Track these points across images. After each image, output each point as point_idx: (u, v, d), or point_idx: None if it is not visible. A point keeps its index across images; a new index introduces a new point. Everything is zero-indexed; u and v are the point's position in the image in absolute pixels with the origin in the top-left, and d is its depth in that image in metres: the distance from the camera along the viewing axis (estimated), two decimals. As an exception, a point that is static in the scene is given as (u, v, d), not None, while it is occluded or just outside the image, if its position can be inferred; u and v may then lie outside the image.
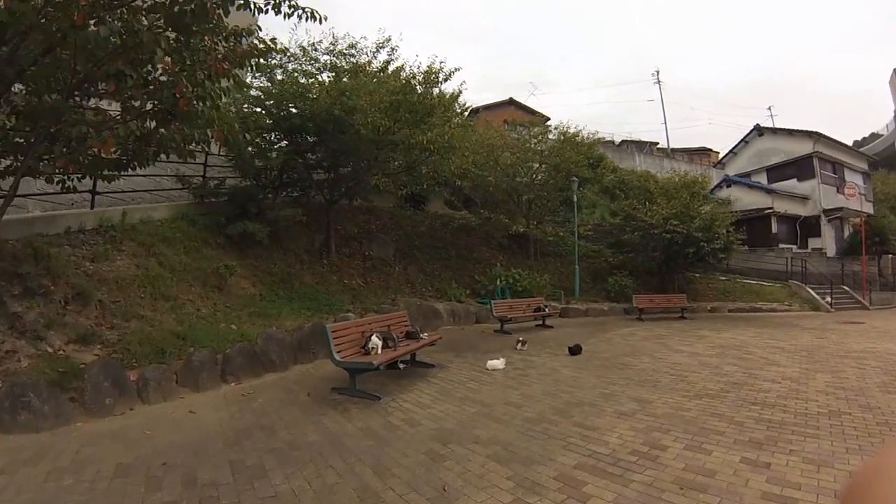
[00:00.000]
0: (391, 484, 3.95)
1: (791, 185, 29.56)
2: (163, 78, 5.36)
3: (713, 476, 3.95)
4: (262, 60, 6.72)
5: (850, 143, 35.53)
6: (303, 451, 4.64)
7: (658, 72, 73.91)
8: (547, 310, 14.07)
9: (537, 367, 8.62)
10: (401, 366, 7.90)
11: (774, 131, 32.38)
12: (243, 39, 6.18)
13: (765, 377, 7.68)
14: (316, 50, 13.47)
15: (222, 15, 5.40)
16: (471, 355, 9.59)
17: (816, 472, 4.00)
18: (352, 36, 13.99)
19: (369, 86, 12.40)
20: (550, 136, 20.44)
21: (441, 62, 13.38)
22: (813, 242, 28.64)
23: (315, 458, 4.49)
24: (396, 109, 12.51)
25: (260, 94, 12.97)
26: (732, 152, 34.81)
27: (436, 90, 13.92)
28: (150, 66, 5.02)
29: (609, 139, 29.90)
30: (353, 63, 13.57)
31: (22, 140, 6.14)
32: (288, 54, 13.16)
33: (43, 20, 4.77)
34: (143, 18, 5.05)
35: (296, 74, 12.95)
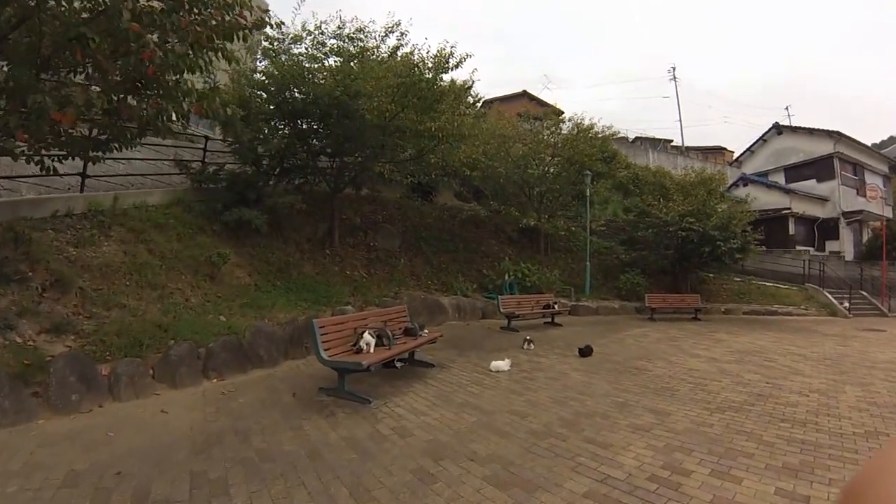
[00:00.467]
0: (368, 510, 3.42)
1: (810, 185, 28.77)
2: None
3: (747, 511, 3.40)
4: (252, 33, 6.16)
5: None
6: (275, 464, 4.11)
7: (674, 68, 73.05)
8: (556, 307, 13.48)
9: (545, 369, 8.05)
10: (398, 364, 7.32)
11: (794, 130, 31.45)
12: (232, 10, 5.66)
13: (790, 388, 7.09)
14: (322, 34, 12.88)
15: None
16: (474, 354, 9.04)
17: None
18: (360, 20, 13.38)
19: (376, 70, 11.87)
20: (564, 128, 19.83)
21: (452, 46, 12.77)
22: (830, 245, 27.88)
23: (287, 472, 3.95)
24: (404, 94, 11.95)
25: (264, 78, 12.45)
26: (750, 150, 33.99)
27: (446, 76, 13.33)
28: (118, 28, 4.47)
29: (622, 136, 29.25)
30: (361, 47, 12.98)
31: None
32: (291, 35, 12.63)
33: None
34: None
35: (301, 58, 12.40)
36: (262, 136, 11.83)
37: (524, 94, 36.66)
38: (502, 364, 7.77)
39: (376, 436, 4.81)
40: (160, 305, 7.98)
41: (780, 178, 30.31)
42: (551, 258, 19.17)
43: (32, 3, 4.59)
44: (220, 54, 5.85)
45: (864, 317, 19.90)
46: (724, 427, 5.20)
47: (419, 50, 12.71)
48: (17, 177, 8.69)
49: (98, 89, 4.88)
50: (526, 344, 9.74)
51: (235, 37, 5.75)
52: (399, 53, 13.13)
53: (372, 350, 6.30)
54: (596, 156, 18.71)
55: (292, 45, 12.74)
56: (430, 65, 12.38)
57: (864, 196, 27.99)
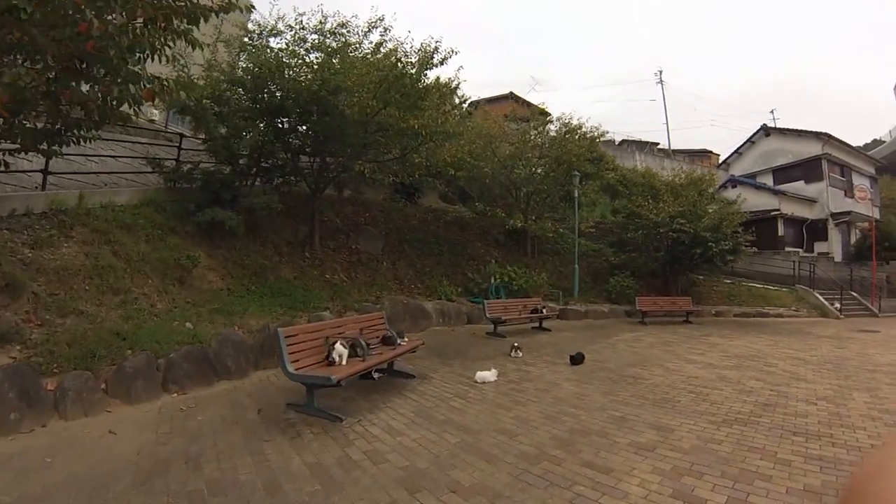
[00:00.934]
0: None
1: (798, 187, 28.61)
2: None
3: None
4: (218, 17, 5.62)
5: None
6: (226, 498, 3.55)
7: (661, 71, 73.10)
8: (544, 311, 12.98)
9: (534, 379, 7.49)
10: (375, 376, 6.78)
11: (782, 132, 31.31)
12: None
13: (796, 396, 6.65)
14: (304, 28, 12.33)
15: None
16: (458, 363, 8.49)
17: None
18: (342, 14, 12.85)
19: (359, 66, 11.38)
20: (552, 128, 19.40)
21: (437, 42, 12.26)
22: (819, 246, 27.69)
23: (238, 510, 3.41)
24: (387, 90, 11.44)
25: (241, 73, 11.89)
26: (738, 152, 33.82)
27: (431, 73, 12.82)
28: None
29: (609, 138, 28.92)
30: (343, 42, 12.43)
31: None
32: (269, 28, 12.12)
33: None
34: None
35: (281, 54, 11.85)
36: (237, 134, 11.25)
37: (511, 96, 36.29)
38: (488, 375, 7.20)
39: (345, 462, 4.24)
40: (122, 311, 7.39)
41: (768, 180, 30.13)
42: (539, 261, 18.71)
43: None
44: (183, 39, 5.33)
45: (855, 317, 19.73)
46: (733, 443, 4.70)
47: (402, 45, 12.22)
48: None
49: (28, 66, 4.30)
50: (513, 351, 9.21)
51: (201, 19, 5.22)
52: (382, 50, 12.62)
53: (345, 362, 5.73)
54: (584, 156, 18.29)
55: (270, 39, 12.23)
56: (413, 60, 11.88)
57: (852, 197, 27.83)
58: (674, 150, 46.64)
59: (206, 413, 5.57)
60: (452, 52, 12.43)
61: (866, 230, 26.50)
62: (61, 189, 9.38)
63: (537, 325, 13.08)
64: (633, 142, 44.46)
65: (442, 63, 12.35)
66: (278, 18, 12.33)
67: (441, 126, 12.50)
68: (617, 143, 40.38)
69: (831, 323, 18.01)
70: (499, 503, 3.51)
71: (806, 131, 29.28)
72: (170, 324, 7.57)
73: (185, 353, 6.59)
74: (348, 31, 12.45)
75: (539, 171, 18.40)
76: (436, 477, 3.93)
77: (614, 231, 21.01)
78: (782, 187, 28.62)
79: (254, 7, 11.71)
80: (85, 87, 4.84)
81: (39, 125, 5.69)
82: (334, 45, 12.18)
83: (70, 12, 4.15)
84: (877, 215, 28.58)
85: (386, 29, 12.63)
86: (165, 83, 4.95)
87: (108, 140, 12.05)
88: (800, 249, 26.78)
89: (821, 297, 21.17)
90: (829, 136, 28.12)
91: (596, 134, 19.04)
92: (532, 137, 18.94)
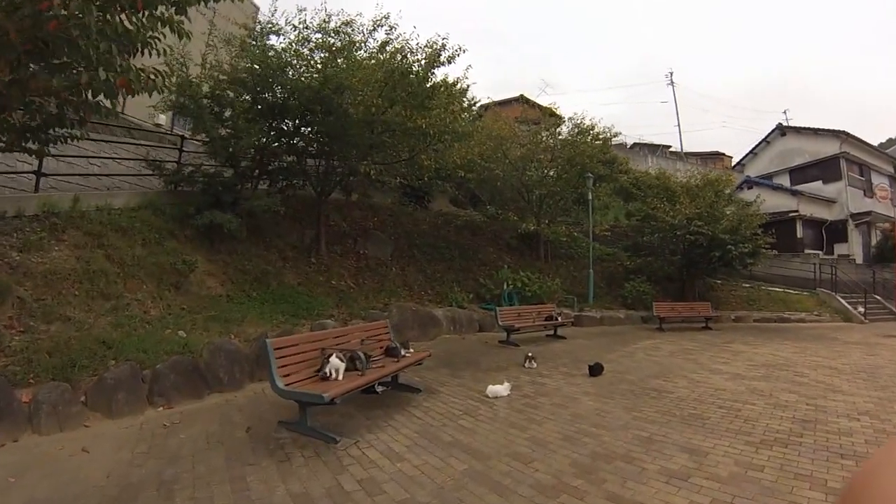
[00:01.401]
0: None
1: (816, 187, 27.88)
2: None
3: None
4: (206, 4, 5.23)
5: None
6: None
7: (672, 73, 72.53)
8: (559, 318, 12.44)
9: (550, 393, 6.96)
10: (379, 389, 6.27)
11: (798, 131, 30.57)
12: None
13: (836, 411, 6.11)
14: (307, 28, 11.95)
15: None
16: (469, 374, 7.98)
17: None
18: (346, 13, 12.45)
19: (364, 67, 11.02)
20: (563, 129, 18.89)
21: (443, 39, 11.81)
22: (839, 248, 26.93)
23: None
24: (392, 89, 11.03)
25: (243, 74, 11.52)
26: (752, 153, 33.15)
27: (439, 71, 12.37)
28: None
29: (620, 142, 28.42)
30: (347, 41, 12.03)
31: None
32: (269, 25, 11.78)
33: None
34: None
35: (284, 55, 11.48)
36: (237, 135, 10.87)
37: (521, 99, 35.82)
38: (501, 389, 6.67)
39: (336, 493, 3.73)
40: (112, 318, 6.99)
41: (784, 181, 29.42)
42: (552, 266, 18.18)
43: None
44: (170, 28, 4.93)
45: (880, 322, 19.11)
46: (776, 469, 4.17)
47: (408, 43, 11.79)
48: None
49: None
50: (528, 361, 8.70)
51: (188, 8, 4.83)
52: (388, 49, 12.19)
53: (341, 376, 5.24)
54: (597, 157, 17.81)
55: (272, 37, 11.89)
56: (419, 57, 11.46)
57: (872, 197, 27.14)
58: (686, 153, 46.01)
59: (190, 430, 5.12)
60: (460, 49, 11.99)
61: (887, 231, 25.81)
62: (58, 192, 9.05)
63: (552, 332, 12.57)
64: (645, 145, 43.93)
65: (450, 61, 11.92)
66: (282, 14, 12.00)
67: (450, 125, 12.06)
68: (628, 147, 39.83)
69: (856, 328, 17.35)
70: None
71: (823, 129, 28.56)
72: (161, 332, 7.15)
73: (174, 363, 6.17)
74: (353, 30, 12.06)
75: (552, 173, 17.90)
76: (439, 514, 3.43)
77: (629, 234, 20.46)
78: (800, 188, 27.90)
79: (257, 7, 11.34)
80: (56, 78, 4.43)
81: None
82: (339, 43, 11.80)
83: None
84: (896, 215, 27.85)
85: (391, 27, 12.22)
86: (143, 72, 4.52)
87: (111, 143, 11.81)
88: (819, 251, 26.04)
89: (843, 301, 20.49)
90: (848, 135, 27.40)
91: (609, 134, 18.55)
92: (544, 139, 18.44)
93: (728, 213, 17.78)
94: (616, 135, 19.15)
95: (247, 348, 7.26)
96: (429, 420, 5.63)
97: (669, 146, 47.10)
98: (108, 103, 4.77)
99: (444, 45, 11.70)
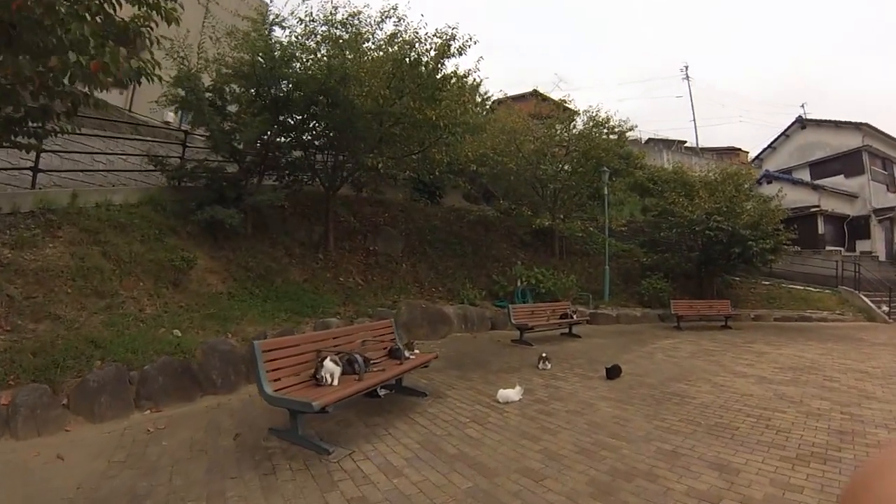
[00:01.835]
0: None
1: (837, 181, 27.15)
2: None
3: None
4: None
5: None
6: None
7: (687, 67, 71.27)
8: (574, 316, 12.05)
9: (565, 398, 6.56)
10: (381, 393, 5.93)
11: (818, 123, 29.79)
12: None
13: (873, 421, 5.70)
14: (314, 21, 11.63)
15: None
16: (479, 376, 7.60)
17: None
18: (353, 4, 12.10)
19: (373, 59, 10.78)
20: (578, 122, 18.43)
21: (452, 29, 11.42)
22: (861, 245, 26.20)
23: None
24: (401, 79, 10.70)
25: (245, 67, 11.23)
26: (771, 147, 32.40)
27: (450, 62, 11.98)
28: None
29: (635, 137, 27.91)
30: (354, 32, 11.69)
31: None
32: (273, 17, 11.51)
33: None
34: None
35: (290, 49, 11.18)
36: (240, 129, 10.58)
37: (534, 94, 35.34)
38: (512, 393, 6.29)
39: (325, 514, 3.40)
40: (104, 317, 6.71)
41: (804, 175, 28.70)
42: (567, 262, 17.75)
43: None
44: (154, 12, 4.63)
45: (904, 321, 18.43)
46: (817, 491, 3.78)
47: (417, 33, 11.43)
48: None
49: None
50: (541, 363, 8.32)
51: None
52: (396, 41, 11.84)
53: (336, 381, 4.88)
54: (613, 150, 17.39)
55: (275, 28, 11.61)
56: (428, 47, 11.11)
57: None
58: (701, 148, 45.30)
59: (174, 437, 4.82)
60: (471, 40, 11.61)
61: (912, 227, 25.08)
62: (57, 188, 8.83)
63: (567, 331, 12.16)
64: (660, 140, 43.21)
65: (461, 52, 11.53)
66: (285, 4, 11.75)
67: (461, 117, 11.70)
68: (644, 142, 39.24)
69: (880, 328, 16.78)
70: None
71: (845, 122, 27.77)
72: (154, 331, 6.85)
73: (163, 364, 5.87)
74: (360, 22, 11.73)
75: (566, 167, 17.48)
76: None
77: (645, 230, 19.97)
78: (821, 182, 27.19)
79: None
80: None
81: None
82: (345, 36, 11.47)
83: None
84: (923, 211, 27.08)
85: (400, 18, 11.86)
86: (123, 57, 4.21)
87: (117, 139, 11.59)
88: (841, 248, 25.34)
89: (867, 300, 19.86)
90: (870, 127, 26.65)
91: (625, 128, 18.09)
92: (558, 132, 18.02)
93: (748, 207, 17.27)
94: (632, 128, 18.69)
95: (243, 348, 6.95)
96: (433, 428, 5.25)
97: (685, 141, 46.36)
98: (87, 90, 4.46)
99: (454, 36, 11.33)
